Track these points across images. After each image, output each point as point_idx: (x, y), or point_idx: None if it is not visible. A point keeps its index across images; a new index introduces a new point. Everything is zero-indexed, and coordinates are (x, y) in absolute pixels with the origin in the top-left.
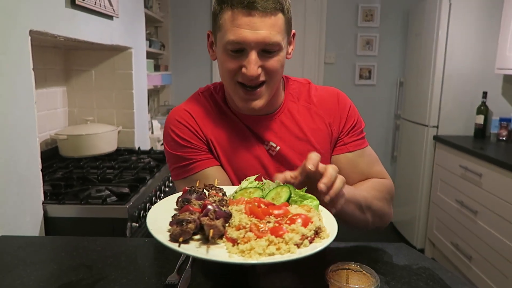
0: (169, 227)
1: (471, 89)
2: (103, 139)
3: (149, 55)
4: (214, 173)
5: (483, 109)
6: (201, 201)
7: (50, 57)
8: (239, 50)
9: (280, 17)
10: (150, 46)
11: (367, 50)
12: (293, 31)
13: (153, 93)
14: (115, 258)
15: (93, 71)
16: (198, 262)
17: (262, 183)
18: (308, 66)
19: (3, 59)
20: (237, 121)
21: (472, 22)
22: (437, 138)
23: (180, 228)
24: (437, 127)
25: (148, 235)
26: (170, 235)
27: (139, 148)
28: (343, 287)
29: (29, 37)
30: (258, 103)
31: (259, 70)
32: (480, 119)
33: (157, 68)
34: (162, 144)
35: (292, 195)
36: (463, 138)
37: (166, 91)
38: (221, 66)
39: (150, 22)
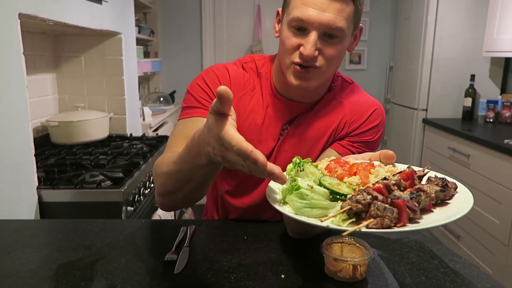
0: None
1: (459, 73)
2: (94, 125)
3: (138, 41)
4: None
5: (471, 92)
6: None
7: (39, 43)
8: (302, 28)
9: (350, 5)
10: (139, 33)
11: None
12: (361, 25)
13: (143, 80)
14: (113, 239)
15: (83, 57)
16: (196, 240)
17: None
18: None
19: None
20: (270, 99)
21: (460, 6)
22: (426, 121)
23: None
24: (426, 110)
25: (145, 217)
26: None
27: (131, 134)
28: (338, 258)
29: (19, 21)
30: (309, 82)
31: (316, 52)
32: (468, 102)
33: (146, 55)
34: (154, 131)
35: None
36: (452, 120)
37: (156, 78)
38: (283, 42)
39: (139, 8)
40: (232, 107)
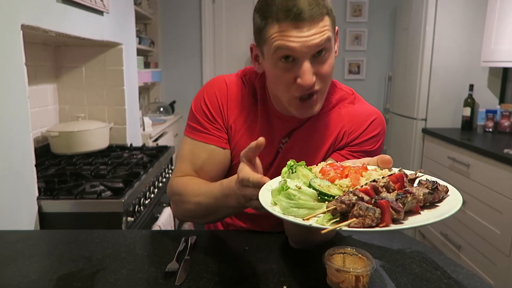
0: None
1: (458, 82)
2: (95, 135)
3: (138, 52)
4: (218, 153)
5: (469, 102)
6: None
7: (40, 54)
8: (289, 57)
9: (326, 20)
10: (139, 43)
11: (356, 45)
12: (336, 28)
13: (143, 90)
14: (113, 249)
15: (84, 68)
16: (197, 250)
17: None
18: None
19: None
20: (266, 114)
21: (458, 16)
22: (425, 131)
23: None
24: (426, 120)
25: (145, 227)
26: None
27: (131, 144)
28: (340, 269)
29: (21, 32)
30: (314, 109)
31: (314, 78)
32: (467, 112)
33: (147, 65)
34: (154, 141)
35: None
36: (451, 130)
37: (156, 88)
38: (275, 80)
39: (139, 19)
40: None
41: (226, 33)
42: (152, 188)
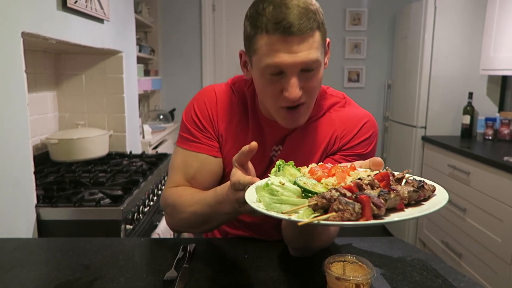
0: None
1: (457, 90)
2: (94, 143)
3: (139, 60)
4: (210, 162)
5: (469, 110)
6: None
7: (40, 61)
8: (279, 72)
9: (317, 35)
10: (140, 51)
11: (355, 53)
12: (327, 40)
13: (143, 98)
14: (112, 257)
15: (84, 75)
16: (196, 258)
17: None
18: None
19: None
20: (256, 122)
21: (456, 25)
22: (425, 139)
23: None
24: (425, 127)
25: (144, 235)
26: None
27: (130, 152)
28: (340, 277)
29: (22, 39)
30: (300, 120)
31: (300, 92)
32: (467, 119)
33: (147, 73)
34: (153, 148)
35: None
36: (451, 138)
37: (156, 96)
38: (262, 90)
39: (140, 27)
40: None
41: (226, 42)
42: (151, 195)
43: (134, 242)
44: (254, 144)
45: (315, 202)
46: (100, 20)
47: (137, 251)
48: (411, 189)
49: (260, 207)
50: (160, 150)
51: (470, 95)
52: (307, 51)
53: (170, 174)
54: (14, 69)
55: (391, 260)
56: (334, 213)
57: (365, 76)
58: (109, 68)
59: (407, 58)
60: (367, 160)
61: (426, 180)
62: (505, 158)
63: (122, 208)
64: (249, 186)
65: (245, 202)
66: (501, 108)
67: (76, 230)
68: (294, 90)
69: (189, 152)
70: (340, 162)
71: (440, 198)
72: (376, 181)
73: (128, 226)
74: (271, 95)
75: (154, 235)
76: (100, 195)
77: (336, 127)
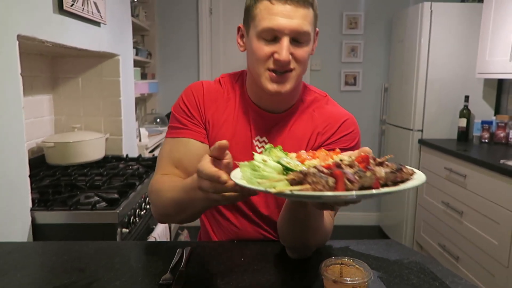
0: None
1: (453, 94)
2: (90, 146)
3: (136, 63)
4: (196, 147)
5: (465, 113)
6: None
7: (36, 65)
8: (273, 38)
9: (310, 11)
10: (136, 55)
11: (352, 57)
12: (317, 29)
13: (140, 101)
14: (108, 261)
15: (80, 79)
16: (192, 262)
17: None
18: None
19: None
20: (244, 111)
21: (453, 29)
22: (422, 142)
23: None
24: (422, 131)
25: (140, 239)
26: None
27: (127, 155)
28: (337, 280)
29: (17, 42)
30: (285, 86)
31: (290, 56)
32: (463, 122)
33: (144, 76)
34: (150, 152)
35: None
36: (447, 141)
37: (153, 100)
38: (253, 53)
39: (137, 30)
40: (228, 152)
41: (223, 45)
42: (147, 199)
43: (130, 246)
44: (224, 142)
45: (293, 177)
46: (97, 23)
47: (133, 254)
48: (389, 170)
49: (243, 182)
50: (157, 153)
51: (467, 98)
52: (302, 20)
53: (157, 164)
54: (9, 72)
55: (388, 263)
56: (307, 185)
57: (362, 80)
58: (106, 71)
59: (403, 62)
60: (357, 151)
61: (405, 165)
62: (501, 161)
63: (118, 211)
64: (212, 176)
65: (208, 192)
66: (497, 111)
67: (72, 233)
68: (285, 52)
69: (176, 139)
70: None
71: (417, 180)
72: (355, 162)
73: (124, 230)
74: (263, 58)
75: (151, 239)
76: (96, 198)
77: (317, 123)
